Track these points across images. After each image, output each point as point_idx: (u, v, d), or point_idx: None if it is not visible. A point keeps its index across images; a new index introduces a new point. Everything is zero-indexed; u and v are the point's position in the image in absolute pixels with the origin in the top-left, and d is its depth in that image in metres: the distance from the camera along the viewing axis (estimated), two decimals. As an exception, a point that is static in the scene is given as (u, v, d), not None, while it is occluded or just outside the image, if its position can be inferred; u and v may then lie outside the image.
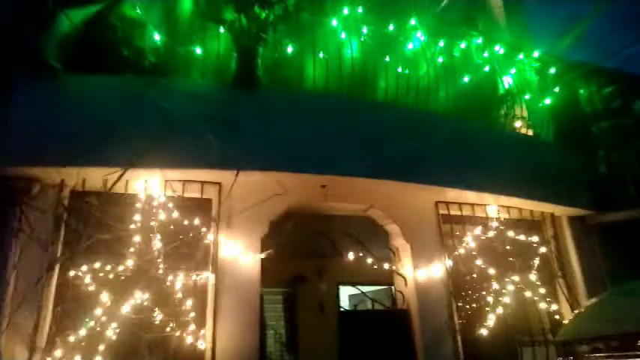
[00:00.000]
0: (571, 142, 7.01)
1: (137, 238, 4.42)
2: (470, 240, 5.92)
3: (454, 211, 6.14)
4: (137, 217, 4.51)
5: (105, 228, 4.39)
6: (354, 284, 6.75)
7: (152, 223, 4.52)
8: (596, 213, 6.57)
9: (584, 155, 7.00)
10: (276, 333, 8.39)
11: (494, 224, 6.13)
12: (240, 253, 4.85)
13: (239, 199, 4.98)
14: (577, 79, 7.57)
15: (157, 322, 4.32)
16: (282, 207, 5.19)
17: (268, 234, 5.08)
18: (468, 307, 5.68)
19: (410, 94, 6.18)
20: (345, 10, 6.10)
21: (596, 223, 6.61)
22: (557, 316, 6.00)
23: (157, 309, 4.32)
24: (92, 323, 4.04)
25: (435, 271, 5.62)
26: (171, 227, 4.61)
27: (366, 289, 6.60)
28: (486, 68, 6.97)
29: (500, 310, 5.66)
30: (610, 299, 4.61)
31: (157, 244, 4.44)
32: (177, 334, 4.35)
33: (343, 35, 6.09)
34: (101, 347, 4.01)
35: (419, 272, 5.58)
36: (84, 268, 4.26)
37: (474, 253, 5.88)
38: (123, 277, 4.30)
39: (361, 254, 5.44)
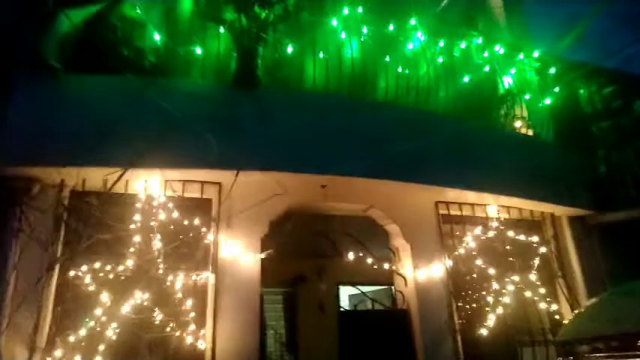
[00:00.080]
0: (571, 142, 7.01)
1: (137, 238, 4.42)
2: (470, 240, 5.92)
3: (454, 211, 6.14)
4: (137, 217, 4.51)
5: (105, 228, 4.40)
6: (354, 284, 6.75)
7: (152, 223, 4.52)
8: (596, 213, 6.57)
9: (584, 155, 7.00)
10: (276, 333, 8.39)
11: (494, 224, 6.13)
12: (240, 253, 4.85)
13: (239, 199, 4.98)
14: (577, 79, 7.57)
15: (157, 322, 4.32)
16: (282, 207, 5.19)
17: (268, 234, 5.08)
18: (468, 307, 5.68)
19: (410, 94, 6.18)
20: (345, 10, 6.10)
21: (596, 223, 6.61)
22: (557, 316, 6.00)
23: (157, 309, 4.32)
24: (92, 323, 4.04)
25: (435, 271, 5.63)
26: (172, 227, 4.61)
27: (366, 289, 6.60)
28: (486, 68, 6.98)
29: (500, 310, 5.66)
30: (610, 299, 4.61)
31: (157, 244, 4.44)
32: (178, 334, 4.35)
33: (343, 35, 6.09)
34: (101, 347, 4.01)
35: (419, 272, 5.59)
36: (84, 268, 4.26)
37: (474, 253, 5.88)
38: (123, 277, 4.30)
39: (361, 254, 5.44)
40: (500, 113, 6.94)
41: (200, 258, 4.72)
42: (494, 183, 5.80)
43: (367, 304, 6.37)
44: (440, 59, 6.61)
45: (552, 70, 7.27)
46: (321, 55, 5.87)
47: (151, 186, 4.70)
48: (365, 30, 6.21)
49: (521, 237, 6.15)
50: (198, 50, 5.33)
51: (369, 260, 5.48)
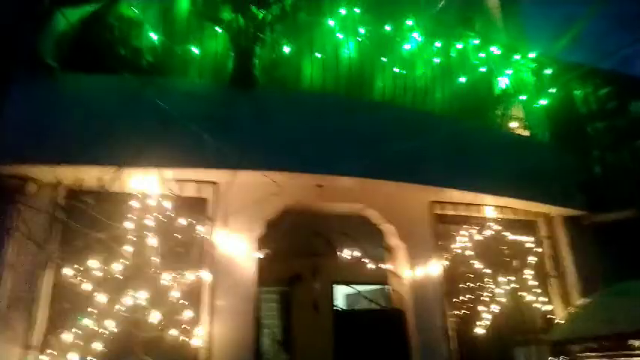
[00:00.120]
0: (566, 143, 7.04)
1: (133, 238, 4.42)
2: (465, 240, 5.95)
3: (449, 211, 6.17)
4: (133, 216, 4.51)
5: (100, 227, 4.38)
6: (349, 283, 6.77)
7: (148, 222, 4.52)
8: (590, 213, 6.60)
9: (579, 156, 7.03)
10: (271, 332, 8.39)
11: (489, 224, 6.15)
12: (236, 252, 4.86)
13: (235, 199, 4.98)
14: (573, 80, 7.59)
15: (152, 321, 4.31)
16: (279, 206, 5.20)
17: (264, 233, 5.10)
18: (462, 306, 5.70)
19: (406, 94, 6.21)
20: (343, 11, 6.11)
21: (591, 224, 6.64)
22: (551, 316, 6.04)
23: (152, 308, 4.31)
24: (87, 322, 4.04)
25: (430, 270, 5.65)
26: (168, 226, 4.61)
27: (361, 288, 6.62)
28: (483, 69, 7.00)
29: (494, 309, 5.68)
30: (603, 299, 4.65)
31: (153, 243, 4.44)
32: (173, 333, 4.35)
33: (340, 35, 6.10)
34: (96, 346, 4.01)
35: (414, 272, 5.60)
36: (79, 267, 4.24)
37: (468, 252, 5.91)
38: (119, 277, 4.29)
39: (357, 253, 5.46)
40: (496, 114, 6.97)
41: (196, 257, 4.73)
42: (489, 183, 5.82)
43: (363, 304, 6.40)
44: (436, 60, 6.63)
45: (548, 71, 7.30)
46: (318, 55, 5.89)
47: (147, 185, 4.69)
48: (362, 30, 6.23)
49: (516, 237, 6.18)
50: (196, 50, 5.34)
51: (365, 259, 5.49)
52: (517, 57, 7.31)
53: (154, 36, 5.18)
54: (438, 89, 6.46)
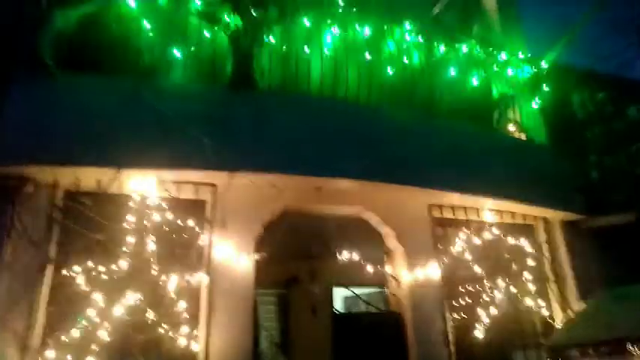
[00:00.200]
0: (564, 147, 7.06)
1: (131, 239, 4.40)
2: (463, 243, 5.94)
3: (447, 215, 6.17)
4: (131, 217, 4.49)
5: (98, 228, 4.38)
6: (347, 286, 6.74)
7: (146, 224, 4.50)
8: (588, 217, 6.62)
9: (577, 159, 7.05)
10: (269, 334, 8.35)
11: (488, 228, 6.15)
12: (234, 254, 4.84)
13: (234, 201, 4.98)
14: (570, 84, 7.63)
15: (150, 323, 4.29)
16: (277, 209, 5.20)
17: (262, 235, 5.09)
18: (461, 309, 5.69)
19: (405, 97, 6.20)
20: (341, 13, 6.10)
21: (589, 227, 6.66)
22: (549, 320, 6.03)
23: (150, 310, 4.30)
24: (85, 324, 4.01)
25: (429, 273, 5.64)
26: (166, 228, 4.60)
27: (360, 291, 6.59)
28: (481, 72, 7.00)
29: (493, 313, 5.67)
30: (602, 304, 4.65)
31: (150, 245, 4.42)
32: (171, 335, 4.33)
33: (339, 38, 6.10)
34: (94, 348, 3.99)
35: (412, 275, 5.60)
36: (77, 268, 4.23)
37: (467, 256, 5.90)
38: (116, 278, 4.27)
39: (355, 256, 5.44)
40: (494, 117, 6.99)
41: (194, 259, 4.72)
42: (487, 186, 5.83)
43: (361, 307, 6.37)
44: (435, 63, 6.63)
45: (546, 75, 7.31)
46: (317, 57, 5.88)
47: (145, 187, 4.68)
48: (361, 33, 6.22)
49: (514, 241, 6.18)
50: (194, 51, 5.32)
51: (363, 262, 5.48)
52: (515, 61, 7.33)
53: (152, 37, 5.16)
54: (436, 92, 6.47)
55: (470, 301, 5.74)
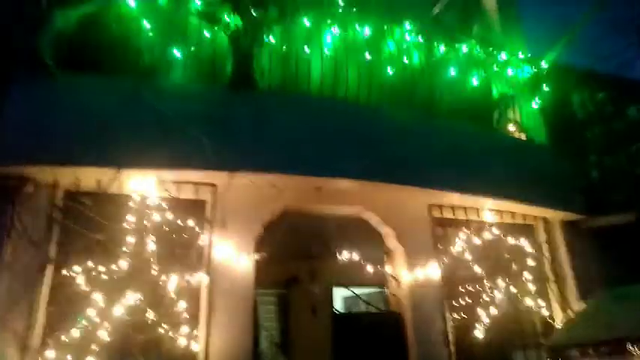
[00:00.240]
0: (564, 147, 7.06)
1: (131, 239, 4.40)
2: (463, 243, 5.95)
3: (447, 215, 6.17)
4: (131, 217, 4.49)
5: (98, 228, 4.38)
6: (347, 286, 6.74)
7: (146, 224, 4.51)
8: (588, 217, 6.61)
9: (577, 159, 7.05)
10: (269, 334, 8.35)
11: (487, 228, 6.15)
12: (234, 254, 4.84)
13: (234, 201, 4.98)
14: (570, 84, 7.62)
15: (150, 323, 4.29)
16: (277, 208, 5.20)
17: (262, 235, 5.09)
18: (461, 309, 5.69)
19: (405, 97, 6.20)
20: (341, 13, 6.10)
21: (589, 228, 6.65)
22: (549, 320, 6.03)
23: (150, 310, 4.30)
24: (85, 324, 4.02)
25: (429, 273, 5.64)
26: (166, 228, 4.60)
27: (360, 291, 6.59)
28: (481, 72, 7.00)
29: (493, 313, 5.67)
30: (603, 304, 4.65)
31: (150, 245, 4.42)
32: (171, 335, 4.33)
33: (339, 38, 6.10)
34: (94, 348, 3.99)
35: (412, 275, 5.60)
36: (77, 268, 4.23)
37: (466, 256, 5.90)
38: (116, 278, 4.27)
39: (355, 256, 5.44)
40: (495, 117, 6.99)
41: (194, 259, 4.72)
42: (488, 186, 5.83)
43: (361, 306, 6.37)
44: (435, 62, 6.63)
45: (546, 75, 7.31)
46: (317, 57, 5.88)
47: (145, 187, 4.68)
48: (361, 33, 6.22)
49: (514, 241, 6.18)
50: (194, 51, 5.32)
51: (363, 262, 5.48)
52: (515, 60, 7.33)
53: (151, 37, 5.16)
54: (436, 92, 6.47)
55: (470, 301, 5.74)
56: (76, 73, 4.57)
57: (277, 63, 5.70)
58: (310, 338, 6.98)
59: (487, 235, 6.08)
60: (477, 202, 6.12)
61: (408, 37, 6.52)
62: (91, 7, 4.81)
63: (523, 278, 6.04)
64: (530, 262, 6.18)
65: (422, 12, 6.75)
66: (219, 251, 4.81)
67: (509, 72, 7.24)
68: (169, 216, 4.62)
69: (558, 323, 6.03)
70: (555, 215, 6.65)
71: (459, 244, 5.94)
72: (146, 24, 5.11)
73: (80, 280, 4.20)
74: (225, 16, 5.28)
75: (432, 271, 5.66)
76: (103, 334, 4.03)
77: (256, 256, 4.95)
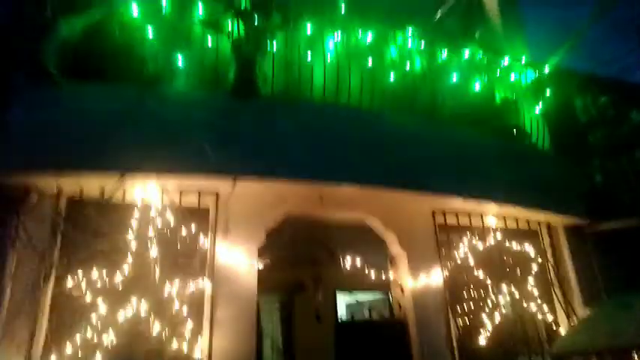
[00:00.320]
0: (567, 152, 7.04)
1: (134, 248, 4.42)
2: (466, 249, 5.94)
3: (451, 220, 6.15)
4: (134, 226, 4.51)
5: (102, 237, 4.39)
6: (351, 292, 6.75)
7: (149, 233, 4.52)
8: (592, 222, 6.58)
9: (581, 164, 7.03)
10: (273, 341, 8.36)
11: (491, 234, 6.14)
12: (237, 261, 4.84)
13: (236, 208, 4.98)
14: (573, 88, 7.61)
15: (153, 332, 4.30)
16: (280, 215, 5.20)
17: (265, 242, 5.09)
18: (464, 316, 5.68)
19: (407, 103, 6.20)
20: (344, 19, 6.11)
21: (593, 233, 6.63)
22: (553, 327, 6.01)
23: (153, 318, 4.30)
24: (88, 333, 4.03)
25: (432, 280, 5.63)
26: (169, 236, 4.61)
27: (363, 297, 6.60)
28: (483, 77, 7.00)
29: (497, 319, 5.66)
30: (607, 311, 4.62)
31: (154, 253, 4.43)
32: (174, 343, 4.33)
33: (341, 44, 6.11)
34: (97, 357, 4.00)
35: (416, 281, 5.59)
36: (81, 277, 4.24)
37: (470, 262, 5.90)
38: (120, 287, 4.29)
39: (358, 262, 5.44)
40: (498, 122, 6.97)
41: (197, 267, 4.72)
42: (491, 191, 5.81)
43: (365, 313, 6.38)
44: (437, 68, 6.63)
45: (549, 79, 7.31)
46: (321, 63, 5.89)
47: (148, 195, 4.69)
48: (364, 39, 6.23)
49: (518, 247, 6.17)
50: (197, 59, 5.34)
51: (366, 269, 5.48)
52: (518, 65, 7.33)
53: (156, 45, 5.17)
54: (438, 98, 6.46)
55: (473, 306, 5.72)
56: (80, 81, 4.57)
57: (280, 69, 5.70)
58: (314, 345, 6.99)
59: (491, 241, 6.07)
60: (480, 208, 6.10)
61: (410, 43, 6.52)
62: (95, 15, 4.82)
63: (527, 284, 6.03)
64: (534, 268, 6.17)
65: (424, 17, 6.76)
66: (223, 258, 4.81)
67: (512, 77, 7.23)
68: (172, 224, 4.63)
69: (562, 329, 6.01)
70: (559, 220, 6.63)
71: (462, 250, 5.93)
72: (150, 32, 5.12)
73: (84, 289, 4.21)
74: (229, 23, 5.29)
75: (435, 277, 5.65)
76: (107, 343, 4.04)
77: (260, 263, 4.95)
